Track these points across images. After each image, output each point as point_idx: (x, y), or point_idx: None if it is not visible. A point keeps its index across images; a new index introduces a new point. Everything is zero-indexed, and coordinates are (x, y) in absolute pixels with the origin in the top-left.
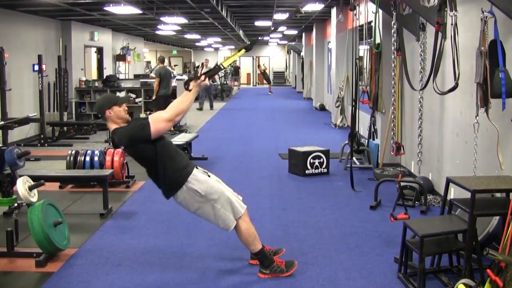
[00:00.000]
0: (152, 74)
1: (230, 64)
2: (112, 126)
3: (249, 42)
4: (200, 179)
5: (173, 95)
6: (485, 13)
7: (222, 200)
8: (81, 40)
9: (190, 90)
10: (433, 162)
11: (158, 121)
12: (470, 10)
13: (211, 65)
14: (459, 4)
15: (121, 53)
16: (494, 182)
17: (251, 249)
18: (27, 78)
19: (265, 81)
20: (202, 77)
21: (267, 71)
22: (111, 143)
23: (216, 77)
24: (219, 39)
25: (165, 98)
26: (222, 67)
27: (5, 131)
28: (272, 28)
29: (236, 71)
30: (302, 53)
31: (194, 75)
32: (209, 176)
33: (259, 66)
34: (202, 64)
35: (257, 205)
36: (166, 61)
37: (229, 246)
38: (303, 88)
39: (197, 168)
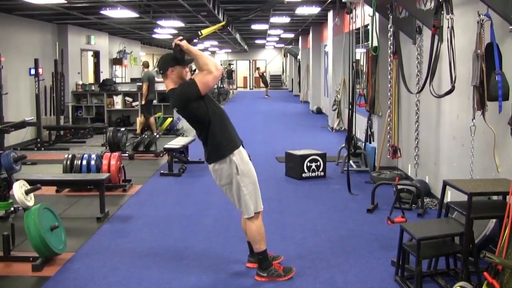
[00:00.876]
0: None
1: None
2: (170, 85)
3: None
4: (244, 158)
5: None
6: (481, 16)
7: (251, 188)
8: (77, 44)
9: (183, 52)
10: (430, 165)
11: (202, 75)
12: (466, 13)
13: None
14: (456, 7)
15: (118, 57)
16: (490, 185)
17: (256, 248)
18: (24, 82)
19: (262, 84)
20: (183, 42)
21: (264, 74)
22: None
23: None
24: (215, 43)
25: (151, 102)
26: (200, 34)
27: (1, 135)
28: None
29: (230, 74)
30: (299, 57)
31: (175, 50)
32: (250, 159)
33: (258, 69)
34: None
35: None
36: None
37: (226, 249)
38: (300, 91)
39: (243, 146)
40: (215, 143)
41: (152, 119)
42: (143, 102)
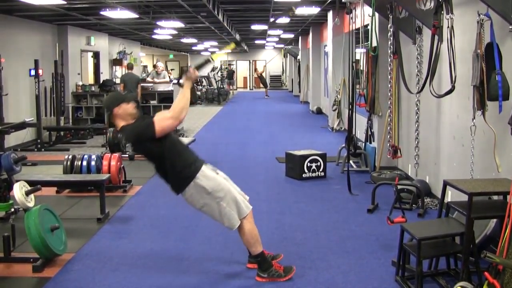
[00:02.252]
0: (149, 79)
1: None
2: (120, 123)
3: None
4: (208, 175)
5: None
6: (481, 15)
7: (228, 199)
8: (77, 45)
9: (182, 86)
10: (430, 165)
11: (162, 119)
12: (466, 13)
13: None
14: (455, 7)
15: (118, 58)
16: (491, 184)
17: (252, 251)
18: (24, 83)
19: (261, 85)
20: (191, 69)
21: (263, 74)
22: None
23: (213, 81)
24: (215, 43)
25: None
26: (212, 60)
27: (1, 136)
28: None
29: (230, 75)
30: (299, 57)
31: (184, 72)
32: (217, 173)
33: (256, 70)
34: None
35: (254, 209)
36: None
37: (226, 250)
38: (299, 91)
39: (205, 164)
40: (176, 174)
41: None
42: None
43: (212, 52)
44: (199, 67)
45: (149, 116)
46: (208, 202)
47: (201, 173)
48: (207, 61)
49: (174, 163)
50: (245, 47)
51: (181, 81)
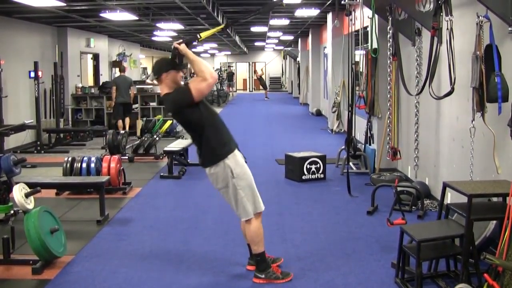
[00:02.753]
0: (148, 80)
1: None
2: (164, 90)
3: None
4: (239, 160)
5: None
6: (480, 17)
7: (247, 190)
8: (77, 47)
9: (181, 62)
10: (429, 166)
11: (197, 82)
12: (465, 14)
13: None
14: (455, 9)
15: (117, 59)
16: (490, 186)
17: (254, 249)
18: (23, 85)
19: (261, 87)
20: (182, 45)
21: (263, 76)
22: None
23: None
24: (215, 45)
25: (124, 106)
26: (199, 36)
27: (1, 138)
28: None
29: (230, 77)
30: (298, 59)
31: (173, 53)
32: (246, 161)
33: (255, 71)
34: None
35: None
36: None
37: (226, 252)
38: (299, 93)
39: (238, 149)
40: (209, 147)
41: (119, 122)
42: (113, 105)
43: (201, 31)
44: (188, 42)
45: (183, 85)
46: (229, 186)
47: (232, 155)
48: (195, 37)
49: (209, 137)
50: (245, 49)
51: (177, 59)
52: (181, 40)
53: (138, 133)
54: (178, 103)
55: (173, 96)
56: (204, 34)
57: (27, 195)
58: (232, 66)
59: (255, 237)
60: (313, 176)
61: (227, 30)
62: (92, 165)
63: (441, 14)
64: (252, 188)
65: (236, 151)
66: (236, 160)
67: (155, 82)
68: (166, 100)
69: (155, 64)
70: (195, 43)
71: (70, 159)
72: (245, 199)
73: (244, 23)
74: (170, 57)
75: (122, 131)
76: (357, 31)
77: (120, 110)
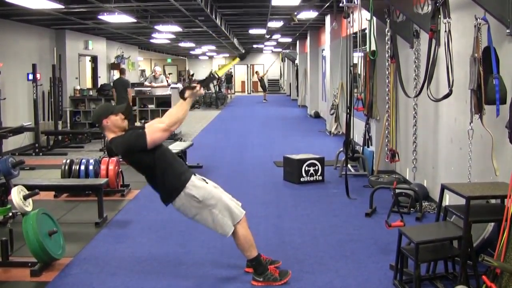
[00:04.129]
0: (146, 83)
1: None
2: (110, 135)
3: (243, 51)
4: (198, 185)
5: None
6: (478, 19)
7: (219, 206)
8: (75, 49)
9: (185, 99)
10: (428, 169)
11: (154, 131)
12: (463, 17)
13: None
14: (453, 11)
15: (116, 62)
16: (488, 188)
17: (247, 255)
18: (22, 87)
19: (260, 89)
20: (198, 87)
21: (263, 78)
22: (106, 152)
23: (211, 85)
24: (213, 47)
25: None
26: (217, 76)
27: None
28: (267, 36)
29: (229, 79)
30: (297, 61)
31: (190, 84)
32: (206, 182)
33: (257, 73)
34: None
35: (252, 213)
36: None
37: (224, 254)
38: (297, 95)
39: (195, 175)
40: (166, 184)
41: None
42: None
43: (219, 68)
44: (205, 85)
45: (137, 127)
46: (200, 211)
47: (190, 183)
48: (213, 77)
49: (164, 174)
50: (243, 51)
51: (185, 94)
52: (199, 82)
53: None
54: (130, 147)
55: (125, 140)
56: (220, 72)
57: (25, 197)
58: (231, 69)
59: (245, 244)
60: (312, 178)
61: (226, 31)
62: (91, 167)
63: (439, 16)
64: (223, 202)
65: (192, 177)
66: (195, 185)
67: (153, 84)
68: (114, 144)
69: (93, 113)
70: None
71: (68, 161)
72: (221, 216)
73: (242, 26)
74: (180, 90)
75: None
76: (355, 33)
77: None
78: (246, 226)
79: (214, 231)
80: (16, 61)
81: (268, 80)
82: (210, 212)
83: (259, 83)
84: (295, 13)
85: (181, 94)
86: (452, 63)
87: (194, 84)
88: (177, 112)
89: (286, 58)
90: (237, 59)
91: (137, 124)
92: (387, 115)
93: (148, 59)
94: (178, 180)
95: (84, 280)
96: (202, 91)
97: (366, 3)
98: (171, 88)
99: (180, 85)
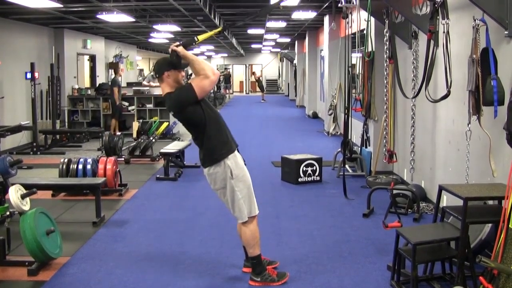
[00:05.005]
0: (145, 82)
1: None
2: (166, 89)
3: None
4: (239, 162)
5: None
6: (477, 21)
7: (245, 193)
8: (73, 48)
9: (180, 63)
10: (425, 169)
11: (199, 80)
12: (462, 18)
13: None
14: (451, 12)
15: (114, 61)
16: (486, 189)
17: (250, 252)
18: (20, 86)
19: (258, 89)
20: (180, 48)
21: (261, 78)
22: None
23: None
24: (212, 47)
25: (111, 106)
26: (196, 39)
27: None
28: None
29: (227, 79)
30: (295, 61)
31: (172, 56)
32: (245, 164)
33: (254, 73)
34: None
35: None
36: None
37: (222, 254)
38: (296, 96)
39: (238, 150)
40: (210, 147)
41: (113, 121)
42: (117, 103)
43: (199, 33)
44: (186, 45)
45: (184, 84)
46: (227, 187)
47: (233, 156)
48: (192, 40)
49: (211, 136)
50: (241, 51)
51: (179, 55)
52: (178, 43)
53: (134, 135)
54: (180, 102)
55: (176, 95)
56: (201, 37)
57: (23, 197)
58: (229, 68)
59: (251, 240)
60: (309, 179)
61: (224, 32)
62: (88, 166)
63: (438, 17)
64: (250, 191)
65: (236, 152)
66: (236, 161)
67: (151, 84)
68: (168, 99)
69: (155, 63)
70: (192, 45)
71: (66, 160)
72: (242, 201)
73: (241, 26)
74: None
75: (118, 133)
76: (354, 34)
77: (120, 110)
78: (256, 224)
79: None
80: (14, 60)
81: (266, 80)
82: (234, 194)
83: (256, 84)
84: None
85: (177, 59)
86: (450, 64)
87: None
88: (197, 63)
89: (284, 58)
90: (220, 28)
91: (135, 123)
92: (385, 115)
93: (146, 58)
94: (222, 148)
95: (82, 280)
96: (184, 50)
97: (364, 4)
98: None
99: (183, 82)
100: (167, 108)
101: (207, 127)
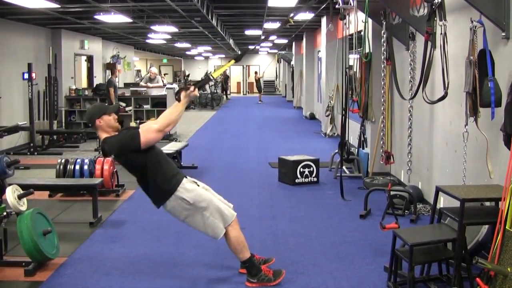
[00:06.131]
0: (142, 83)
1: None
2: (103, 135)
3: (239, 53)
4: (188, 188)
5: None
6: (474, 22)
7: (211, 208)
8: (71, 49)
9: (179, 100)
10: (422, 171)
11: (148, 131)
12: (459, 19)
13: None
14: (449, 14)
15: (111, 62)
16: (483, 191)
17: (239, 257)
18: (17, 86)
19: (255, 90)
20: (192, 88)
21: (261, 79)
22: (101, 152)
23: (206, 86)
24: (209, 48)
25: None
26: (212, 78)
27: None
28: (263, 37)
29: (225, 80)
30: (292, 62)
31: (185, 86)
32: (198, 185)
33: (256, 73)
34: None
35: (247, 214)
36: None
37: (219, 255)
38: (293, 97)
39: (186, 177)
40: (157, 186)
41: None
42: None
43: (214, 70)
44: (200, 86)
45: (131, 127)
46: (191, 214)
47: (181, 186)
48: (208, 79)
49: (155, 176)
50: (239, 52)
51: (181, 96)
52: (194, 84)
53: None
54: (121, 148)
55: (118, 139)
56: (215, 74)
57: (20, 197)
58: (227, 70)
59: (237, 246)
60: (307, 180)
61: (222, 32)
62: (86, 167)
63: (435, 19)
64: (214, 205)
65: (183, 180)
66: (185, 188)
67: (148, 84)
68: (107, 143)
69: (86, 113)
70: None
71: (63, 161)
72: (212, 218)
73: (238, 26)
74: (175, 91)
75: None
76: (351, 35)
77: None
78: (238, 228)
79: (205, 234)
80: (11, 60)
81: (264, 81)
82: (201, 215)
83: (255, 84)
84: (291, 15)
85: (176, 96)
86: (448, 66)
87: (189, 86)
88: (172, 113)
89: (282, 59)
90: (233, 61)
91: (132, 124)
92: (382, 117)
93: (144, 59)
94: (169, 183)
95: (78, 280)
96: (197, 92)
97: (362, 5)
98: (167, 88)
99: (175, 86)
100: (104, 152)
101: (148, 170)
